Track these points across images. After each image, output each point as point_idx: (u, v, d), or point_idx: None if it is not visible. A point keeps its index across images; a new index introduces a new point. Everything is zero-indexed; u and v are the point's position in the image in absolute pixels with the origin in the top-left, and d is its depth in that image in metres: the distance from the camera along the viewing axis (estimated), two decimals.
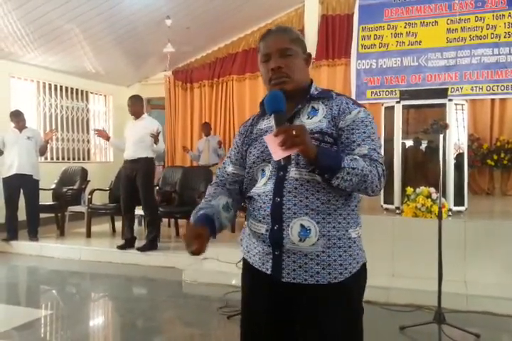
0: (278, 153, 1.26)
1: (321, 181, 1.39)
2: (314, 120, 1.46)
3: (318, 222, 1.39)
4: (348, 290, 1.44)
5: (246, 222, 1.60)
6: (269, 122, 1.53)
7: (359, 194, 1.45)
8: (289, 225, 1.39)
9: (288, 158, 1.28)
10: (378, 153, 1.41)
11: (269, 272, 1.45)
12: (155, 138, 5.25)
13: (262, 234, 1.44)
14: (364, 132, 1.42)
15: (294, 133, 1.23)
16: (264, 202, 1.44)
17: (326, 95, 1.52)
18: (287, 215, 1.40)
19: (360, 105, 1.50)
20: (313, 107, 1.49)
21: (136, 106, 5.49)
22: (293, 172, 1.41)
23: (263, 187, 1.47)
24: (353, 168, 1.31)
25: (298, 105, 1.48)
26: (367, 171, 1.33)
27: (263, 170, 1.49)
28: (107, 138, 5.54)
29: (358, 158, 1.36)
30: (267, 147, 1.45)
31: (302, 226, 1.38)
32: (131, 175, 5.34)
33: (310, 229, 1.39)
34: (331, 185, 1.36)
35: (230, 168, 1.61)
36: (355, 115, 1.45)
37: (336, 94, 1.53)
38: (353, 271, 1.44)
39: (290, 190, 1.40)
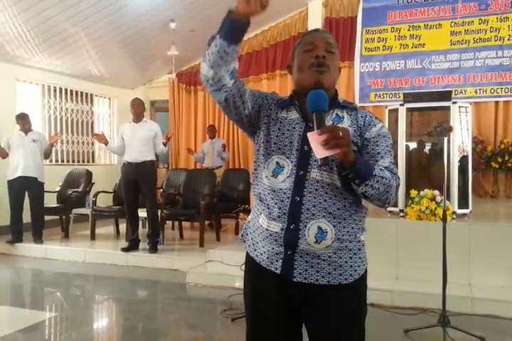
0: (320, 152, 1.24)
1: (339, 186, 1.41)
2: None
3: (334, 226, 1.41)
4: (356, 291, 1.48)
5: (251, 218, 1.58)
6: (291, 114, 1.51)
7: (372, 204, 1.46)
8: (306, 226, 1.40)
9: (327, 159, 1.26)
10: (396, 168, 1.46)
11: (278, 271, 1.44)
12: (168, 140, 5.65)
13: (276, 232, 1.43)
14: (386, 146, 1.48)
15: (340, 134, 1.24)
16: (282, 200, 1.43)
17: (350, 105, 1.54)
18: (306, 216, 1.40)
19: (380, 120, 1.55)
20: (337, 114, 1.50)
21: (141, 108, 5.57)
22: (314, 174, 1.42)
23: (281, 184, 1.44)
24: (382, 177, 1.36)
25: None
26: (392, 182, 1.38)
27: (278, 163, 1.47)
28: (106, 143, 5.56)
29: (383, 168, 1.40)
30: (291, 142, 1.46)
31: (319, 228, 1.40)
32: (136, 178, 5.37)
33: (327, 232, 1.40)
34: (353, 191, 1.39)
35: (247, 89, 1.51)
36: (379, 129, 1.49)
37: (357, 107, 1.56)
38: (361, 273, 1.48)
39: (311, 191, 1.41)
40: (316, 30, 1.59)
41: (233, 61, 1.40)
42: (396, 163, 1.54)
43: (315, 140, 1.25)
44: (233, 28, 1.34)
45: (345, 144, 1.24)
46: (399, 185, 1.44)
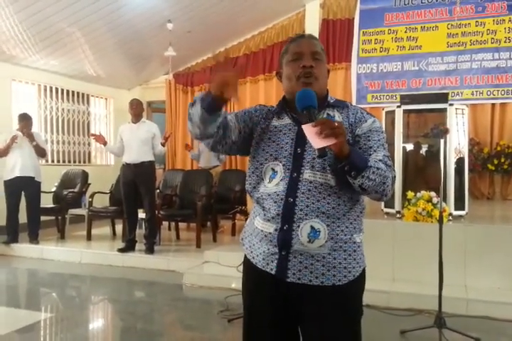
0: (317, 142, 1.27)
1: (333, 185, 1.43)
2: None
3: (328, 225, 1.43)
4: (350, 292, 1.48)
5: (248, 221, 1.61)
6: (283, 121, 1.55)
7: (370, 198, 1.47)
8: (299, 226, 1.42)
9: (324, 149, 1.29)
10: (390, 161, 1.47)
11: (273, 272, 1.46)
12: (166, 141, 5.64)
13: (270, 233, 1.46)
14: (378, 140, 1.49)
15: (334, 124, 1.27)
16: (276, 202, 1.45)
17: (341, 104, 1.57)
18: (299, 216, 1.42)
19: (373, 115, 1.55)
20: (328, 114, 1.53)
21: (140, 108, 5.58)
22: (307, 175, 1.44)
23: (275, 187, 1.47)
24: (378, 168, 1.37)
25: None
26: (387, 173, 1.39)
27: (273, 169, 1.50)
28: (104, 143, 5.54)
29: (377, 161, 1.41)
30: (282, 147, 1.50)
31: (312, 227, 1.41)
32: (135, 179, 5.35)
33: (320, 231, 1.42)
34: (348, 188, 1.40)
35: (229, 116, 1.56)
36: (371, 124, 1.50)
37: (350, 104, 1.58)
38: (356, 275, 1.48)
39: (304, 192, 1.43)
40: (302, 36, 1.60)
41: (215, 122, 1.45)
42: (392, 161, 1.53)
43: (310, 131, 1.28)
44: (211, 103, 1.40)
45: (340, 133, 1.27)
46: (395, 177, 1.45)
